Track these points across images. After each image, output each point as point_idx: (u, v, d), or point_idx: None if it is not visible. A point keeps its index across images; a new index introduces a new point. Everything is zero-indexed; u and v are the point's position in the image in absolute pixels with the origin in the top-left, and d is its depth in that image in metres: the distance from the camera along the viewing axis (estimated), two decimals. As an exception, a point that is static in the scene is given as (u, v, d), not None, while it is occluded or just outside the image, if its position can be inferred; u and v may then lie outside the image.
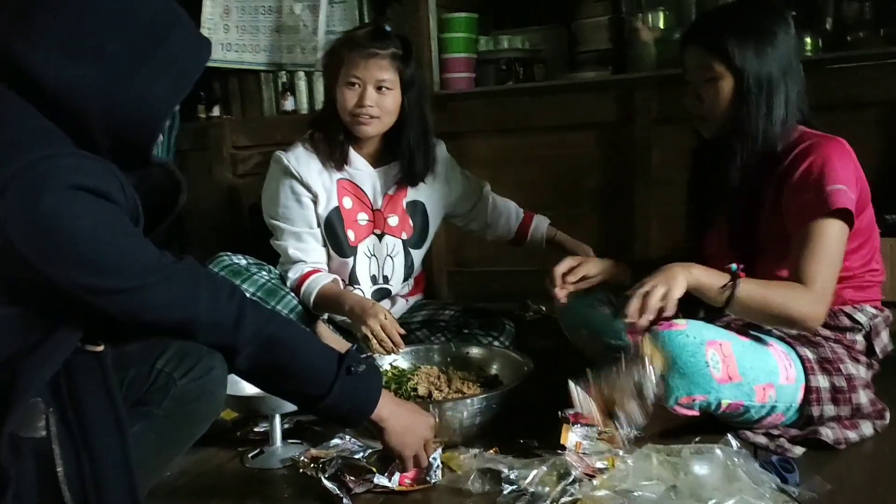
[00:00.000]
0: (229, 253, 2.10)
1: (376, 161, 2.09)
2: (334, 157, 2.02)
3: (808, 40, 2.57)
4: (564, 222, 2.86)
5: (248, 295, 1.96)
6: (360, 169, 2.07)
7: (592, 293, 1.97)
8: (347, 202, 2.06)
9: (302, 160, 2.01)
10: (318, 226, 2.05)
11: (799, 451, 1.51)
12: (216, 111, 3.46)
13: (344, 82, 1.95)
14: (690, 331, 1.49)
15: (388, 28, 2.00)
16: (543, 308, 2.69)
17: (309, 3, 3.19)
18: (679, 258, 1.90)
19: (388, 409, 1.34)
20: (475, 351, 1.96)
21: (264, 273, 2.07)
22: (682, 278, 1.47)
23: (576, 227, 2.84)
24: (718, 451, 1.29)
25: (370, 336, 1.83)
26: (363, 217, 2.09)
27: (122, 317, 1.06)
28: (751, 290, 1.47)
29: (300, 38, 3.24)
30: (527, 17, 3.23)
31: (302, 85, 3.32)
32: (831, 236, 1.52)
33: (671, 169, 2.60)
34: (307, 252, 2.04)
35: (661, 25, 2.82)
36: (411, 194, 2.15)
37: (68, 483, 1.01)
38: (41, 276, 0.99)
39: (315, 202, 2.03)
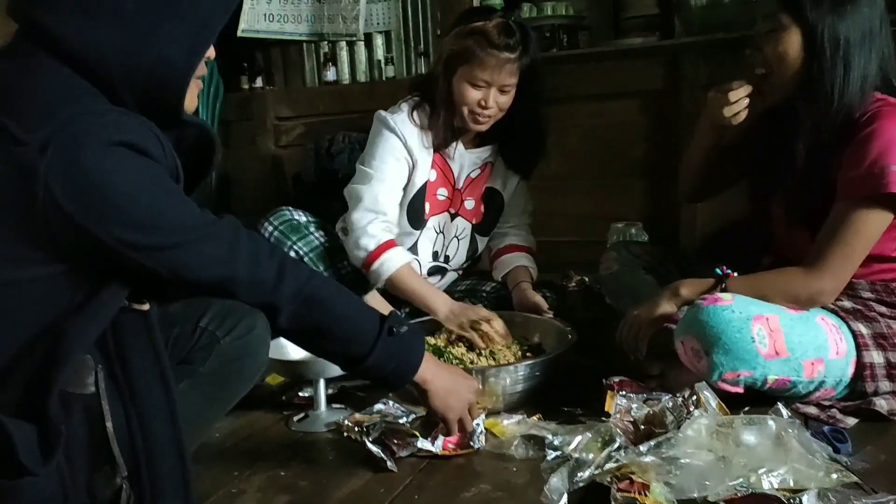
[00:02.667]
0: (290, 208, 2.09)
1: (469, 143, 2.07)
2: (439, 139, 1.99)
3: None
4: (610, 192, 2.83)
5: (301, 255, 2.00)
6: (452, 148, 2.05)
7: (637, 261, 1.96)
8: (433, 174, 2.05)
9: (407, 127, 1.98)
10: (403, 192, 2.01)
11: (851, 421, 1.47)
12: (259, 82, 3.48)
13: (469, 80, 1.90)
14: (736, 306, 1.46)
15: (513, 24, 1.91)
16: (586, 278, 2.66)
17: (350, -28, 3.18)
18: (732, 235, 1.88)
19: (432, 372, 1.34)
20: (518, 319, 1.95)
21: (321, 234, 2.07)
22: (665, 304, 1.60)
23: (621, 198, 2.81)
24: (770, 422, 1.26)
25: (482, 330, 1.78)
26: (443, 193, 2.08)
27: (163, 273, 1.07)
28: (740, 288, 1.53)
29: (342, 8, 3.22)
30: (571, -18, 3.16)
31: (344, 55, 3.31)
32: (867, 223, 1.47)
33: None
34: (386, 206, 1.96)
35: (711, -11, 2.74)
36: (491, 181, 2.14)
37: (118, 438, 1.03)
38: (83, 232, 1.00)
39: (412, 169, 2.00)
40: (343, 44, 3.30)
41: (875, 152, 1.46)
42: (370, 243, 1.91)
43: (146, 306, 1.11)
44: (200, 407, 1.21)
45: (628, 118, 2.78)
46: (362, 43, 3.28)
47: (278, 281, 1.17)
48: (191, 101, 1.16)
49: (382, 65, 3.28)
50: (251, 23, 3.28)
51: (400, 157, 1.98)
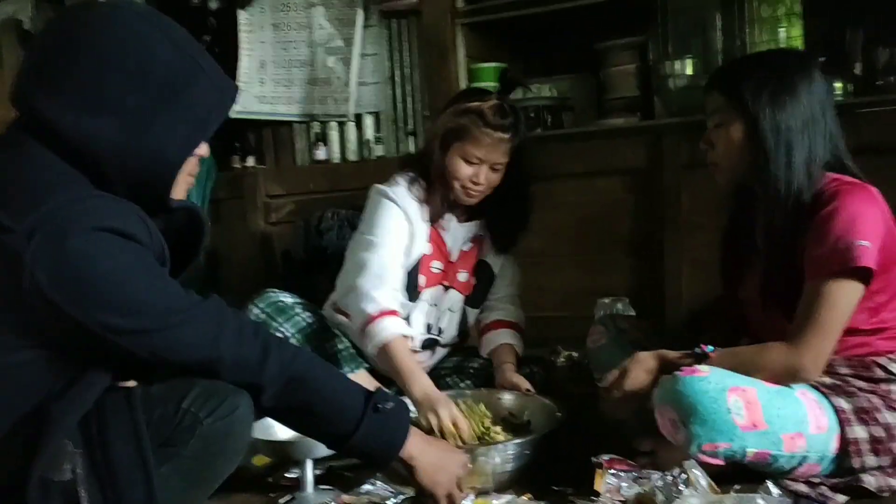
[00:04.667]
0: (276, 290, 2.10)
1: (460, 216, 2.11)
2: (434, 212, 2.03)
3: (838, 85, 2.56)
4: (596, 268, 2.86)
5: (287, 336, 2.00)
6: (447, 222, 2.09)
7: (625, 336, 1.97)
8: (428, 248, 2.07)
9: (406, 200, 2.02)
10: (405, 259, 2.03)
11: (841, 499, 1.47)
12: (250, 161, 3.53)
13: (463, 156, 1.95)
14: (712, 377, 1.47)
15: (507, 106, 1.98)
16: (574, 353, 2.66)
17: (341, 57, 3.27)
18: (714, 312, 1.90)
19: (419, 448, 1.33)
20: (506, 397, 1.95)
21: (308, 314, 2.07)
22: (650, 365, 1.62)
23: (607, 273, 2.84)
24: (760, 501, 1.26)
25: (437, 427, 1.74)
26: (437, 265, 2.10)
27: (147, 356, 1.08)
28: (720, 363, 1.53)
29: (332, 90, 3.31)
30: (555, 65, 3.26)
31: (334, 135, 3.37)
32: (839, 299, 1.50)
33: (702, 214, 2.58)
34: (392, 273, 1.96)
35: (689, 72, 2.84)
36: (482, 254, 2.18)
37: None
38: (68, 318, 1.01)
39: (411, 240, 2.02)
40: (334, 124, 3.36)
41: (839, 229, 1.50)
42: (371, 307, 1.87)
43: (132, 383, 1.11)
44: (182, 491, 1.18)
45: (613, 195, 2.84)
46: (353, 123, 3.35)
47: (263, 361, 1.17)
48: (179, 194, 1.19)
49: (372, 144, 3.35)
50: (244, 105, 3.36)
51: (402, 225, 2.00)
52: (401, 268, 2.01)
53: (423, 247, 2.05)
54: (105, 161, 1.08)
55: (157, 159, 1.11)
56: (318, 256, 2.98)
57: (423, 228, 2.04)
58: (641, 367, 1.63)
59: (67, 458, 1.03)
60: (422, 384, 1.80)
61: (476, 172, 1.95)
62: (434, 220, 2.06)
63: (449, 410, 1.74)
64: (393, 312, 1.89)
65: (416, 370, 1.85)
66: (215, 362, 1.14)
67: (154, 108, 1.09)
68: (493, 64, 3.10)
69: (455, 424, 1.71)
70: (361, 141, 3.37)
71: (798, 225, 1.57)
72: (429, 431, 1.70)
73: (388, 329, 1.86)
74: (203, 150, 1.20)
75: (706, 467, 1.45)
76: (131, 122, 1.08)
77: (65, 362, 1.07)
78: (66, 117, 1.06)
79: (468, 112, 1.95)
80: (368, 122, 3.35)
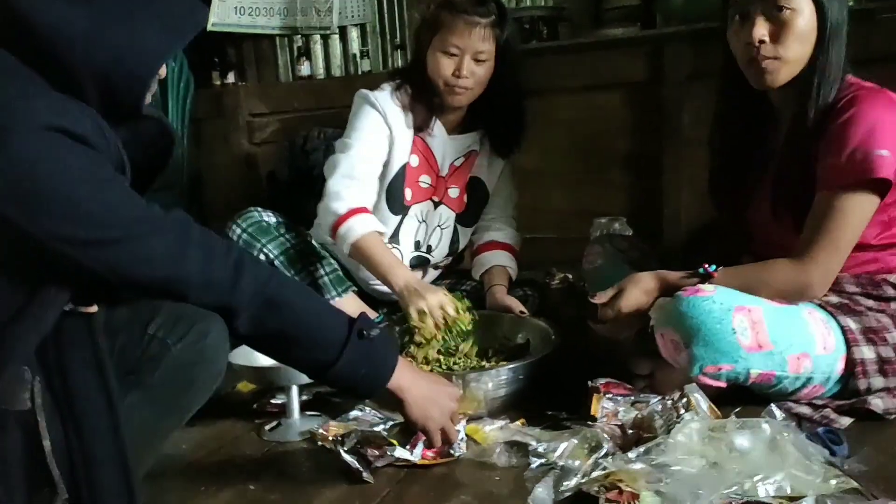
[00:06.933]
0: (259, 209, 2.03)
1: (452, 128, 2.03)
2: (419, 118, 1.95)
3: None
4: (592, 187, 2.78)
5: (270, 257, 1.93)
6: (435, 134, 2.00)
7: (622, 256, 1.90)
8: (414, 160, 2.00)
9: (388, 105, 1.94)
10: (383, 168, 1.96)
11: (846, 421, 1.42)
12: (231, 77, 3.39)
13: (441, 49, 1.87)
14: (717, 297, 1.41)
15: None
16: (569, 276, 2.61)
17: (324, -37, 3.10)
18: (713, 231, 1.82)
19: (408, 378, 1.25)
20: (501, 320, 1.89)
21: (291, 235, 2.01)
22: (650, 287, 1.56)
23: (604, 192, 2.76)
24: (765, 425, 1.20)
25: (426, 311, 1.70)
26: (425, 180, 2.03)
27: (104, 272, 0.98)
28: (725, 282, 1.47)
29: (315, 0, 3.14)
30: (550, -27, 3.10)
31: (318, 49, 3.24)
32: (853, 212, 1.42)
33: (703, 129, 2.44)
34: (363, 174, 1.91)
35: (693, -22, 2.69)
36: (475, 170, 2.09)
37: (56, 456, 0.95)
38: (14, 228, 0.91)
39: (391, 146, 1.95)
40: (317, 37, 3.23)
41: (857, 138, 1.41)
42: (340, 207, 1.84)
43: (93, 308, 1.01)
44: (152, 421, 1.12)
45: (610, 110, 2.73)
46: (337, 36, 3.21)
47: (235, 281, 1.07)
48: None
49: (358, 58, 3.22)
50: (221, 16, 3.19)
51: (379, 129, 1.93)
52: (374, 171, 1.94)
53: (404, 155, 1.97)
54: (72, 53, 0.97)
55: (130, 57, 1.00)
56: (305, 177, 2.90)
57: (405, 136, 1.96)
58: (639, 288, 1.57)
59: (25, 387, 0.95)
60: (404, 275, 1.78)
61: (458, 65, 1.86)
62: (420, 127, 1.97)
63: (437, 297, 1.71)
64: (364, 209, 1.86)
65: (396, 262, 1.83)
66: (181, 281, 1.04)
67: (127, 2, 1.00)
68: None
69: (444, 309, 1.70)
70: (347, 55, 3.23)
71: (817, 131, 1.48)
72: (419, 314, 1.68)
73: (360, 226, 1.83)
74: (162, 69, 1.09)
75: (706, 389, 1.40)
76: (102, 13, 0.98)
77: (14, 281, 0.96)
78: (36, 4, 0.96)
79: (440, 4, 1.89)
80: (354, 34, 3.21)
